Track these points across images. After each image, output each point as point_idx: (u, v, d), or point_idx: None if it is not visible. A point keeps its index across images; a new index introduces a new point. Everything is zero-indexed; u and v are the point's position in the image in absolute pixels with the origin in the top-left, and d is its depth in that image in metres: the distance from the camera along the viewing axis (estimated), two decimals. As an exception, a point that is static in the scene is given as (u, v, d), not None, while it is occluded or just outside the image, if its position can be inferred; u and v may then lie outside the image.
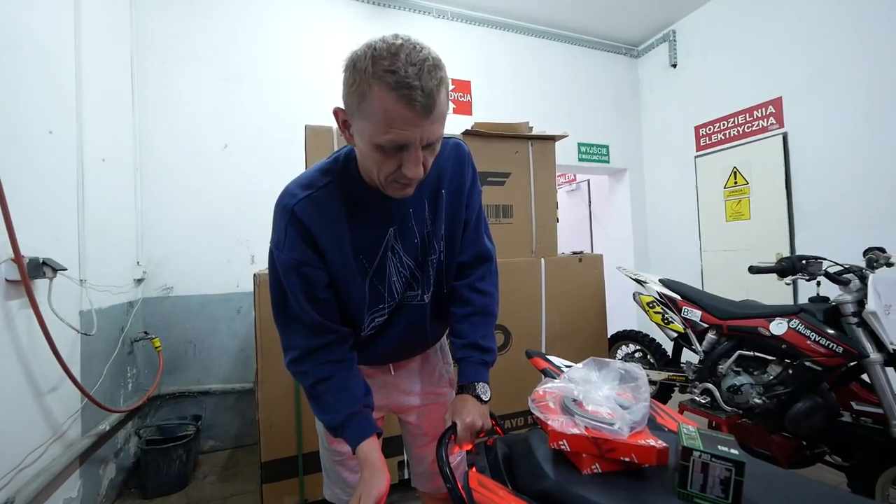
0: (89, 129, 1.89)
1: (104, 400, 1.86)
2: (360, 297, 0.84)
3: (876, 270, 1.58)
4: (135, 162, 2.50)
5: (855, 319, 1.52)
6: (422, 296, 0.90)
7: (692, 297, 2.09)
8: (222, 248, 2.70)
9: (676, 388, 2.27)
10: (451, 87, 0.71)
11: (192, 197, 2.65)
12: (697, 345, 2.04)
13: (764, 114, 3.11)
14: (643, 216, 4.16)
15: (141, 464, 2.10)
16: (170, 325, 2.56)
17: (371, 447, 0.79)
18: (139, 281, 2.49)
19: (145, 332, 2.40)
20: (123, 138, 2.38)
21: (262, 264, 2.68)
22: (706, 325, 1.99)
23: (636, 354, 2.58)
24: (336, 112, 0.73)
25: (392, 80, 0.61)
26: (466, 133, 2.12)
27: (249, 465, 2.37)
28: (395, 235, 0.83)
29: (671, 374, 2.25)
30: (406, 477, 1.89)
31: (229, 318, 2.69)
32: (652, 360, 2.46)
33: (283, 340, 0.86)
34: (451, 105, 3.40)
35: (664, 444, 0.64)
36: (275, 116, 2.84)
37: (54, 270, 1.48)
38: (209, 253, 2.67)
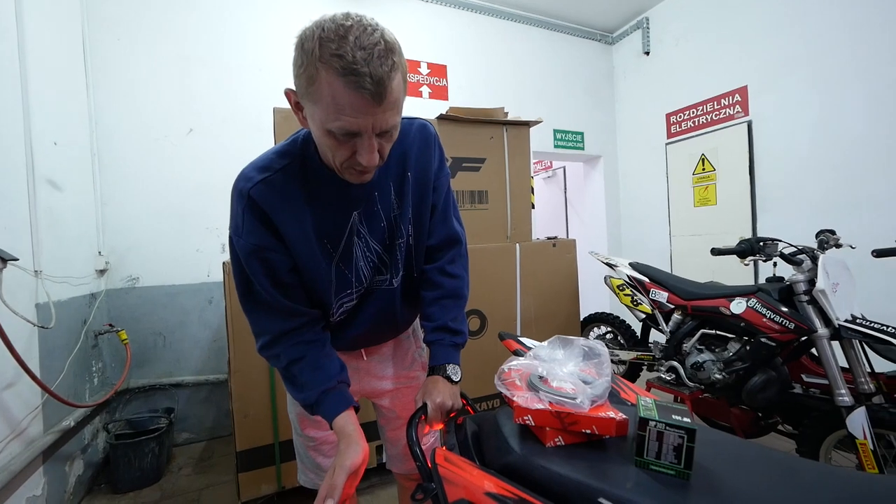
0: (37, 110, 1.77)
1: (67, 395, 1.79)
2: (327, 282, 0.83)
3: (826, 251, 1.67)
4: (92, 146, 2.37)
5: (806, 297, 1.61)
6: (391, 280, 0.90)
7: (660, 279, 2.17)
8: (191, 236, 2.61)
9: (645, 367, 2.37)
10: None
11: (157, 184, 2.54)
12: (664, 325, 2.12)
13: (731, 102, 3.21)
14: (616, 202, 4.25)
15: (111, 459, 2.05)
16: (137, 318, 2.48)
17: (346, 420, 0.79)
18: (102, 272, 2.38)
19: (111, 325, 2.32)
20: (78, 121, 2.24)
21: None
22: (672, 306, 2.08)
23: (607, 336, 2.67)
24: (287, 94, 0.70)
25: (339, 66, 0.58)
26: (441, 118, 2.10)
27: (226, 456, 2.35)
28: (360, 219, 0.82)
29: (640, 353, 2.34)
30: (383, 461, 1.92)
31: (200, 308, 2.62)
32: (622, 341, 2.55)
33: (253, 326, 0.85)
34: (428, 89, 3.36)
35: (624, 416, 0.67)
36: (242, 99, 2.74)
37: (4, 261, 1.40)
38: (177, 242, 2.58)
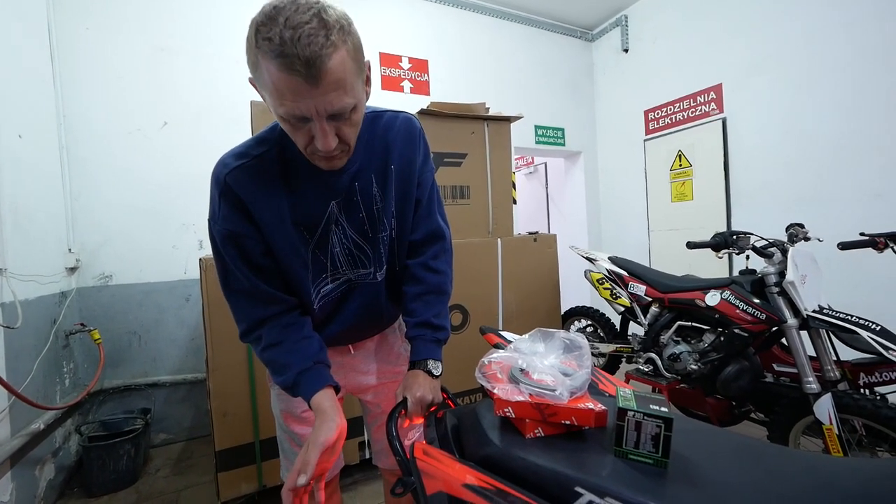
0: (-1, 101, 1.69)
1: (36, 397, 1.73)
2: (303, 268, 0.83)
3: (795, 244, 1.73)
4: (60, 139, 2.27)
5: (776, 289, 1.67)
6: (374, 273, 0.89)
7: (638, 272, 2.21)
8: (166, 233, 2.54)
9: (624, 359, 2.42)
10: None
11: (131, 178, 2.46)
12: (642, 317, 2.17)
13: (706, 99, 3.29)
14: (596, 198, 4.32)
15: (84, 462, 1.99)
16: (110, 316, 2.40)
17: (323, 397, 0.77)
18: (72, 269, 2.30)
19: (82, 324, 2.24)
20: (44, 113, 2.15)
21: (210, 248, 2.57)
22: (650, 299, 2.12)
23: (588, 329, 2.71)
24: (251, 82, 0.69)
25: (269, 49, 0.57)
26: (422, 112, 2.09)
27: (205, 457, 2.30)
28: (338, 209, 0.82)
29: (619, 346, 2.39)
30: (368, 456, 1.91)
31: (177, 306, 2.56)
32: (602, 334, 2.60)
33: (234, 312, 0.85)
34: (409, 84, 3.33)
35: (603, 407, 0.68)
36: (219, 92, 2.66)
37: (-35, 259, 1.34)
38: (152, 238, 2.51)
